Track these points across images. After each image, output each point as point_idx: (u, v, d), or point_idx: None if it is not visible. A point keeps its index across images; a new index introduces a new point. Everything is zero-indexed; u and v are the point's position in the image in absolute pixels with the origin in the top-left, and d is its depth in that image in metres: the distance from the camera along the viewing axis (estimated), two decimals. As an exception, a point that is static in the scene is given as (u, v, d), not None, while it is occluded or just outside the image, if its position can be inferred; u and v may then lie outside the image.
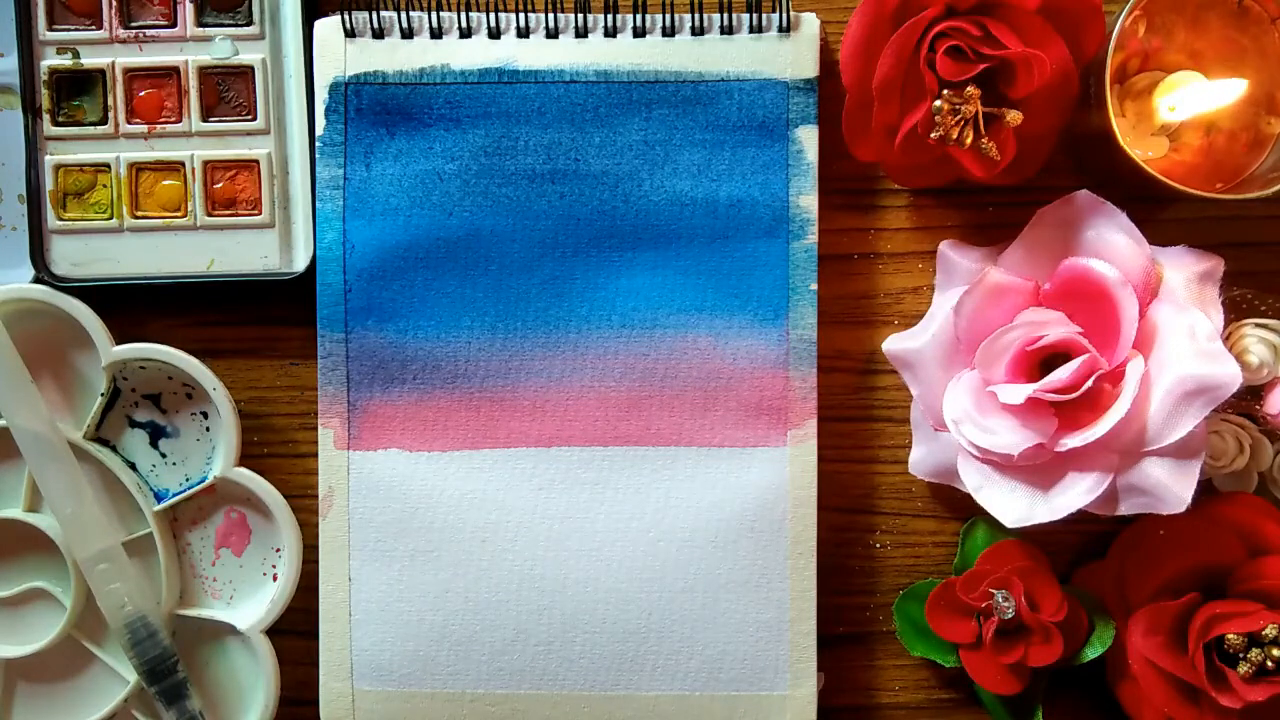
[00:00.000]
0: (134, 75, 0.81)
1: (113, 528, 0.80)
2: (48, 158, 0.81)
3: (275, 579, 0.80)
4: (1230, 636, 0.72)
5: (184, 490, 0.80)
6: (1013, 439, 0.73)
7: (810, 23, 0.78)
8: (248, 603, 0.81)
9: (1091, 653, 0.77)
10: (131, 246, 0.82)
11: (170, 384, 0.80)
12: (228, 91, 0.81)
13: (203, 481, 0.80)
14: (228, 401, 0.78)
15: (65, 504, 0.77)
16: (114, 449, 0.80)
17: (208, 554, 0.82)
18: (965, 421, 0.74)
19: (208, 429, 0.81)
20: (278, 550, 0.80)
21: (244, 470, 0.79)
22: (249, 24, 0.81)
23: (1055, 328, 0.73)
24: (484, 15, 0.78)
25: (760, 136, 0.78)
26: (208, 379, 0.78)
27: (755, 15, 0.77)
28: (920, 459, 0.79)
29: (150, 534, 0.80)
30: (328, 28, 0.79)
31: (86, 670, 0.82)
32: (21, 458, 0.78)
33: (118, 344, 0.78)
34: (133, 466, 0.80)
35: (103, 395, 0.79)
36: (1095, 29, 0.73)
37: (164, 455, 0.81)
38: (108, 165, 0.81)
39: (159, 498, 0.80)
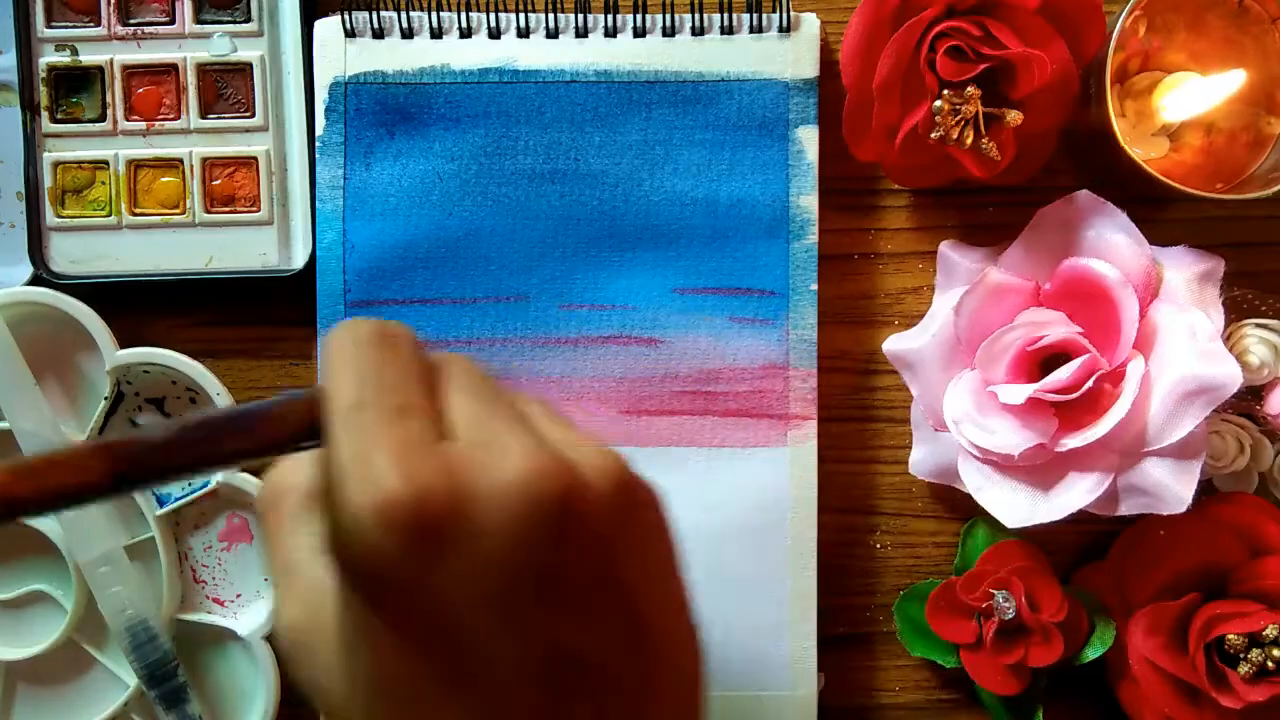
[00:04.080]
0: (132, 72, 0.81)
1: (114, 531, 0.79)
2: (46, 155, 0.81)
3: (277, 584, 0.80)
4: (1231, 637, 0.72)
5: (186, 495, 0.80)
6: (1013, 439, 0.73)
7: (810, 23, 0.78)
8: (249, 608, 0.81)
9: (1092, 653, 0.77)
10: (130, 243, 0.81)
11: (174, 388, 0.80)
12: (226, 88, 0.81)
13: (205, 486, 0.80)
14: (231, 406, 0.78)
15: (67, 507, 0.77)
16: (116, 453, 0.80)
17: (209, 558, 0.82)
18: (965, 422, 0.74)
19: (210, 433, 0.80)
20: (280, 555, 0.80)
21: (247, 475, 0.79)
22: (247, 20, 0.80)
23: (1055, 328, 0.73)
24: (484, 15, 0.78)
25: (760, 136, 0.78)
26: (212, 384, 0.78)
27: (755, 15, 0.77)
28: (920, 459, 0.79)
29: (152, 538, 0.80)
30: (328, 27, 0.78)
31: (87, 673, 0.82)
32: (23, 460, 0.78)
33: (120, 345, 0.78)
34: (135, 470, 0.80)
35: (106, 399, 0.79)
36: (1095, 29, 0.73)
37: (166, 459, 0.81)
38: (106, 162, 0.81)
39: (161, 502, 0.80)
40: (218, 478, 0.79)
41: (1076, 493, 0.73)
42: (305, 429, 0.45)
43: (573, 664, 0.43)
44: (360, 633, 0.43)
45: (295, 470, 0.50)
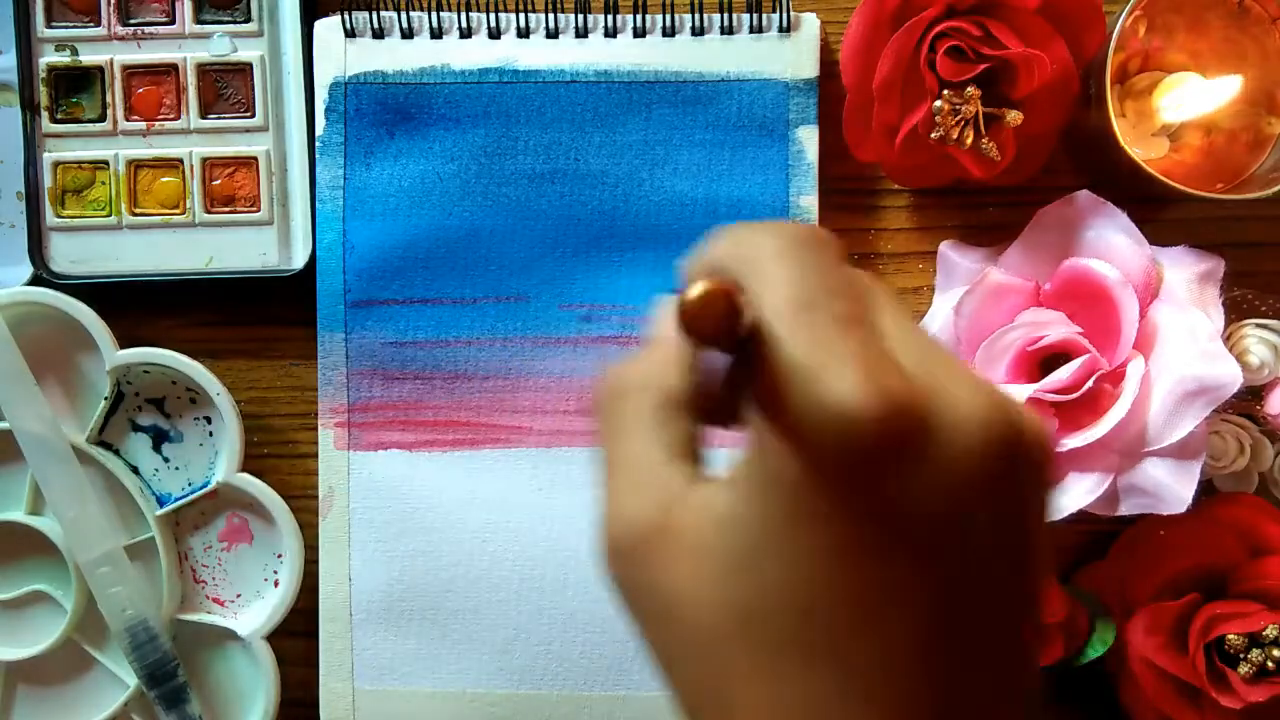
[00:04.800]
0: (132, 72, 0.81)
1: (114, 531, 0.79)
2: (46, 155, 0.81)
3: (276, 584, 0.80)
4: (1231, 637, 0.72)
5: (186, 495, 0.80)
6: (1013, 439, 0.73)
7: (810, 23, 0.78)
8: (249, 608, 0.81)
9: (1092, 653, 0.77)
10: (130, 243, 0.81)
11: (174, 388, 0.80)
12: (226, 89, 0.81)
13: (205, 486, 0.80)
14: (231, 406, 0.78)
15: (67, 507, 0.77)
16: (117, 453, 0.80)
17: (209, 558, 0.82)
18: (966, 422, 0.74)
19: (211, 433, 0.81)
20: (279, 555, 0.80)
21: (247, 476, 0.79)
22: (247, 21, 0.80)
23: (1056, 328, 0.73)
24: (484, 15, 0.78)
25: (760, 136, 0.78)
26: (211, 384, 0.78)
27: (755, 15, 0.77)
28: (921, 459, 0.79)
29: (152, 538, 0.80)
30: (328, 27, 0.79)
31: (87, 674, 0.82)
32: (24, 460, 0.78)
33: (120, 346, 0.78)
34: (135, 470, 0.80)
35: (106, 399, 0.79)
36: (1095, 29, 0.73)
37: (167, 459, 0.81)
38: (106, 162, 0.81)
39: (161, 502, 0.80)
40: (218, 478, 0.79)
41: (1076, 493, 0.73)
42: (731, 324, 0.41)
43: (984, 614, 0.43)
44: (777, 535, 0.41)
45: (646, 371, 0.48)
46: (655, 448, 0.45)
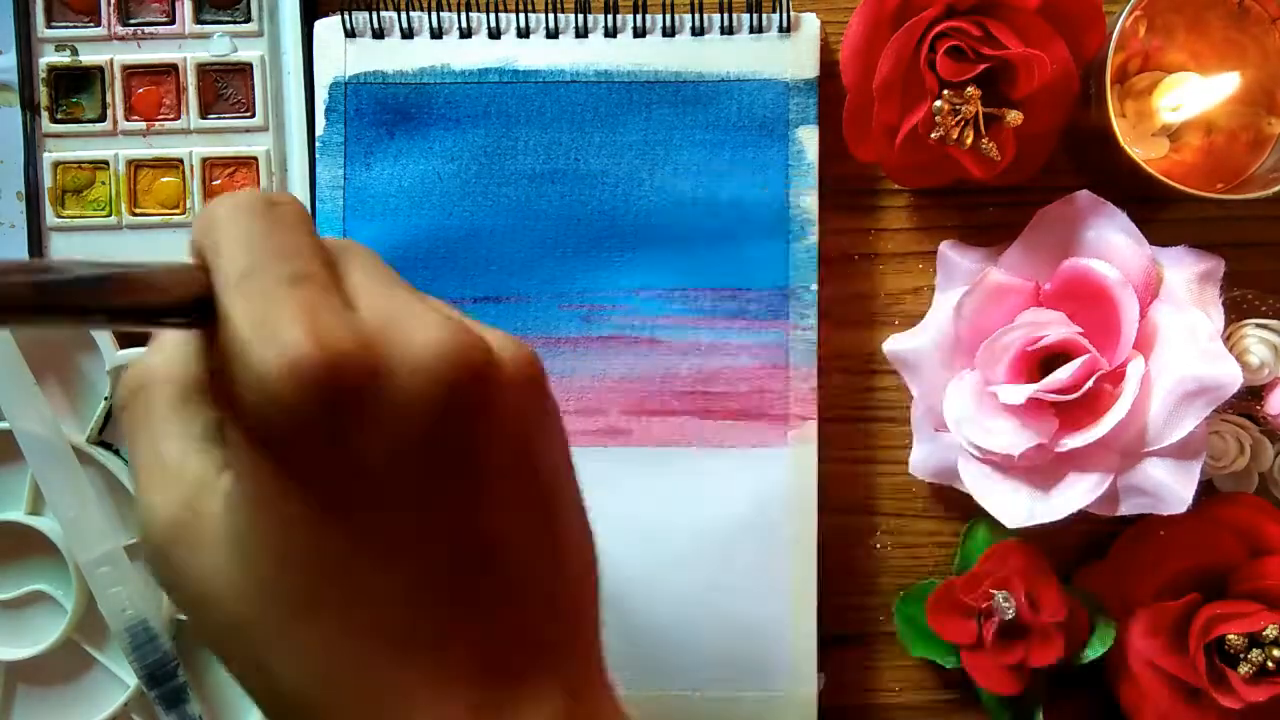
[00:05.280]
0: (132, 72, 0.81)
1: (115, 531, 0.79)
2: (46, 155, 0.81)
3: (277, 584, 0.80)
4: (1231, 637, 0.72)
5: (186, 495, 0.80)
6: (1013, 439, 0.73)
7: (810, 23, 0.78)
8: (250, 608, 0.81)
9: (1092, 653, 0.77)
10: (130, 243, 0.81)
11: (173, 389, 0.80)
12: (226, 89, 0.81)
13: (205, 486, 0.79)
14: (230, 407, 0.78)
15: (68, 507, 0.77)
16: (117, 453, 0.80)
17: (209, 558, 0.82)
18: (966, 422, 0.74)
19: (210, 434, 0.80)
20: (280, 555, 0.80)
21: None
22: (247, 21, 0.80)
23: (1056, 328, 0.73)
24: (484, 15, 0.78)
25: (760, 136, 0.78)
26: (210, 384, 0.78)
27: (755, 15, 0.77)
28: (921, 460, 0.79)
29: (152, 537, 0.80)
30: (328, 27, 0.79)
31: (87, 674, 0.82)
32: (24, 460, 0.78)
33: (120, 345, 0.79)
34: (135, 470, 0.80)
35: (106, 399, 0.79)
36: (1096, 29, 0.73)
37: (166, 460, 0.81)
38: (106, 162, 0.81)
39: (161, 502, 0.80)
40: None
41: (1076, 493, 0.73)
42: (188, 302, 0.42)
43: (489, 542, 0.44)
44: (268, 508, 0.42)
45: (165, 362, 0.47)
46: (178, 440, 0.45)
